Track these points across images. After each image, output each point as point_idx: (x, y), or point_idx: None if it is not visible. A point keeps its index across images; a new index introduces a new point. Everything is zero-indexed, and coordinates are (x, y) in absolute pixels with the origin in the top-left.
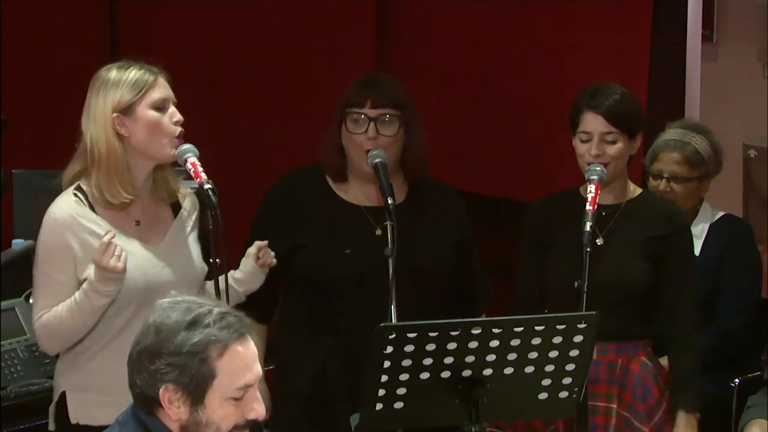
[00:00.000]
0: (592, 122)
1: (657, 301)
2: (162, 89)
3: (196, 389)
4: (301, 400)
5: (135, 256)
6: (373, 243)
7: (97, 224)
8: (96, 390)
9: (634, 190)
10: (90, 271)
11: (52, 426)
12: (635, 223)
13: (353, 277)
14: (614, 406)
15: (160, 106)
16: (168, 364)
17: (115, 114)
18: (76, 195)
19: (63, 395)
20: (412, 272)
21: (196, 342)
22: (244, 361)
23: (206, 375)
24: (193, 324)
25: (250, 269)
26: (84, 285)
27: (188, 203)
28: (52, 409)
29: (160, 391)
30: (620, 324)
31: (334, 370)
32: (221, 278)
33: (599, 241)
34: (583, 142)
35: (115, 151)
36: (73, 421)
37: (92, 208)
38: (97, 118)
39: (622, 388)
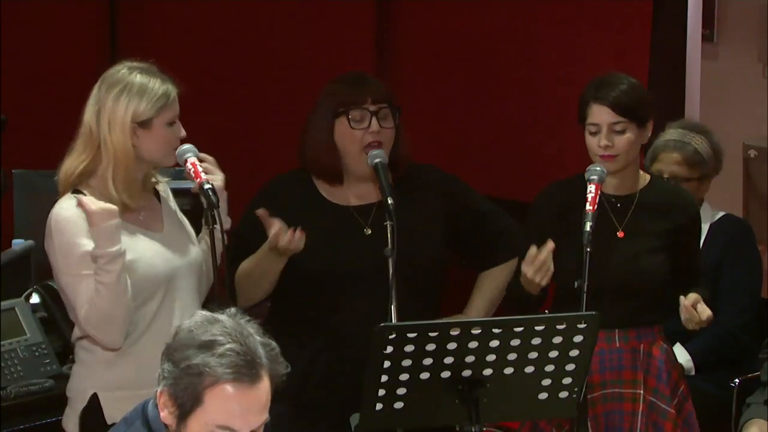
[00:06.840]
0: (599, 114)
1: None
2: (175, 106)
3: (183, 406)
4: (289, 399)
5: (149, 245)
6: (363, 243)
7: None
8: (134, 385)
9: (645, 178)
10: (90, 248)
11: None
12: (653, 215)
13: (344, 278)
14: (641, 391)
15: (172, 122)
16: (169, 371)
17: (133, 124)
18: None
19: (94, 398)
20: (408, 269)
21: (193, 364)
22: (232, 404)
23: (193, 399)
24: (203, 347)
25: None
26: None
27: (162, 187)
28: (77, 416)
29: (158, 391)
30: (640, 312)
31: (324, 370)
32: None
33: (620, 234)
34: (592, 134)
35: (132, 159)
36: (110, 421)
37: None
38: (117, 123)
39: (647, 373)
